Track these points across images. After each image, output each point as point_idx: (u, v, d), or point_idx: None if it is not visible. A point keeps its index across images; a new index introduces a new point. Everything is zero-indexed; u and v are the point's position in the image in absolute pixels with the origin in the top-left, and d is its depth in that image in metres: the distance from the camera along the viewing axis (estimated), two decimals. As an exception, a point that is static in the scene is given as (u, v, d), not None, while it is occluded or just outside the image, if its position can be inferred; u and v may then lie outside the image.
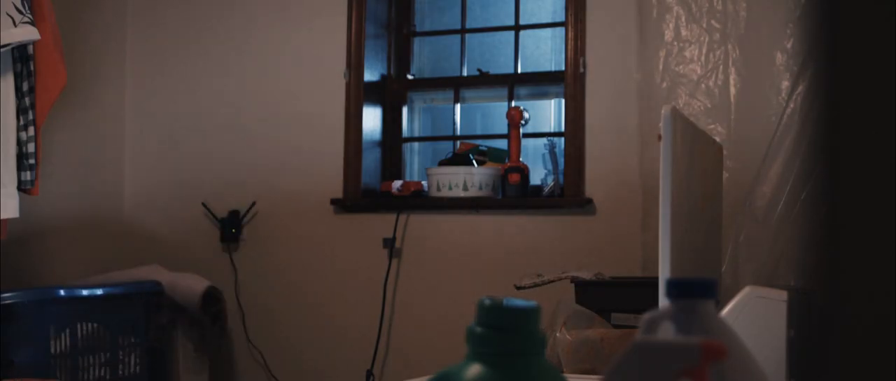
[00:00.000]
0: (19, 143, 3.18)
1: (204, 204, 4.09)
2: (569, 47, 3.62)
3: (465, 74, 4.05)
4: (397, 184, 3.87)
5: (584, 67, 3.59)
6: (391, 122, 4.06)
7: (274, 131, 4.03)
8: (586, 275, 2.94)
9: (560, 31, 3.82)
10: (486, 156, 3.82)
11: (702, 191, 2.06)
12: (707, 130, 3.22)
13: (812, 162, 0.56)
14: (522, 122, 3.70)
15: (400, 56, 4.09)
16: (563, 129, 3.72)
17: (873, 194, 0.54)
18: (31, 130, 3.20)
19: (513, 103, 3.87)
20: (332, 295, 3.92)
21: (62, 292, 3.37)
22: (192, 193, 4.14)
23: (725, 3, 3.35)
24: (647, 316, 0.82)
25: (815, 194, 0.55)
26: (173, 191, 4.20)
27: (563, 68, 3.66)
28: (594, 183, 3.58)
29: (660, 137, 1.65)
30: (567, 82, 3.63)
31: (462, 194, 3.68)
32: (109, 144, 4.24)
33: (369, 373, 3.81)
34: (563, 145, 3.68)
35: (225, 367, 4.05)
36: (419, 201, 3.82)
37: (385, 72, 4.05)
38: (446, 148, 4.03)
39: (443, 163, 3.80)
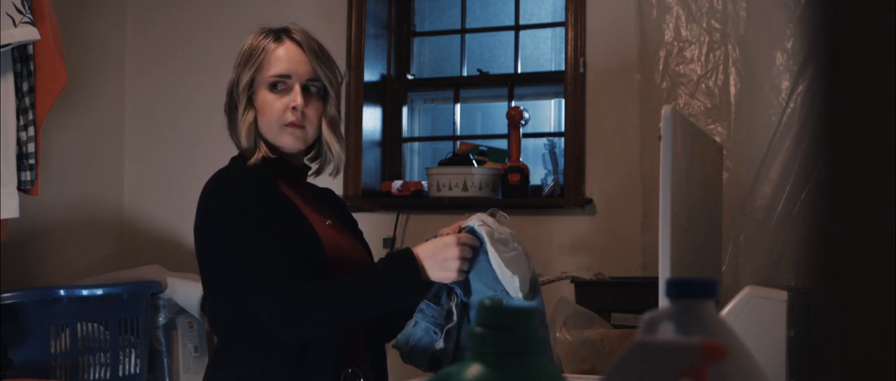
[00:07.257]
0: (19, 143, 3.18)
1: (204, 204, 4.08)
2: (569, 47, 3.62)
3: (465, 74, 4.05)
4: (397, 184, 3.87)
5: (584, 66, 3.59)
6: (391, 122, 4.05)
7: (274, 131, 4.02)
8: (586, 275, 2.95)
9: (560, 31, 3.82)
10: (486, 156, 3.81)
11: (702, 191, 2.06)
12: (707, 130, 3.22)
13: (812, 162, 0.56)
14: (522, 122, 3.70)
15: (400, 56, 4.09)
16: (563, 129, 3.71)
17: (873, 194, 0.54)
18: (31, 130, 3.20)
19: (513, 103, 3.86)
20: (332, 295, 3.91)
21: (62, 292, 3.36)
22: (192, 192, 4.12)
23: (725, 3, 3.35)
24: (647, 316, 0.82)
25: (815, 194, 0.55)
26: (173, 190, 4.20)
27: (563, 68, 3.66)
28: (594, 183, 3.58)
29: (660, 137, 1.65)
30: (567, 82, 3.63)
31: (462, 194, 3.68)
32: (109, 144, 4.24)
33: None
34: (563, 145, 3.68)
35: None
36: (419, 201, 3.81)
37: (385, 72, 4.05)
38: (446, 148, 4.03)
39: (443, 163, 3.79)
